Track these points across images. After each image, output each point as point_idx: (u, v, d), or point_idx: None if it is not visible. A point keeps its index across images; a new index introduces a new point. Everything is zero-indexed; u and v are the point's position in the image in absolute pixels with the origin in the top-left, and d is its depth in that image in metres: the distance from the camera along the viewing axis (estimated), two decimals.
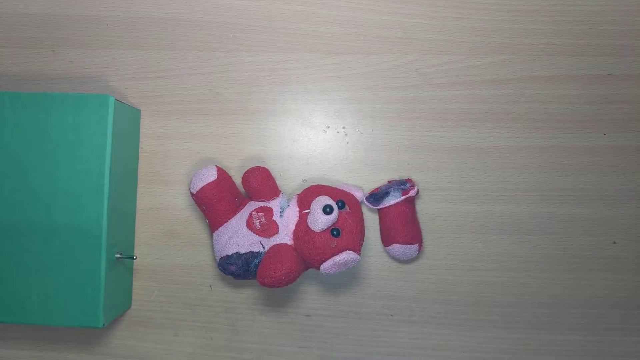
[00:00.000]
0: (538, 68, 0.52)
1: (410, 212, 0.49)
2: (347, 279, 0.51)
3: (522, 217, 0.51)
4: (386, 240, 0.49)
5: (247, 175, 0.47)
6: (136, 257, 0.50)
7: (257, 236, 0.46)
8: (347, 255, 0.43)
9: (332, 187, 0.48)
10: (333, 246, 0.43)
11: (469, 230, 0.51)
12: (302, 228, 0.45)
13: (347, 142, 0.52)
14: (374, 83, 0.52)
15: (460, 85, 0.52)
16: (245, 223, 0.46)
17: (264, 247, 0.45)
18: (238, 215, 0.47)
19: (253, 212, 0.46)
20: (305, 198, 0.46)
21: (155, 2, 0.53)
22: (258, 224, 0.46)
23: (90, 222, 0.44)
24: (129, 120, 0.49)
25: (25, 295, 0.44)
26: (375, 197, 0.50)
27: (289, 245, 0.45)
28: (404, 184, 0.49)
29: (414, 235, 0.49)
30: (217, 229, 0.47)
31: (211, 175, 0.46)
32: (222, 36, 0.53)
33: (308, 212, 0.44)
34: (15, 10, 0.53)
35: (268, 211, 0.46)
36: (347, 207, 0.45)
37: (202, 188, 0.46)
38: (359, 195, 0.49)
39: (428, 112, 0.52)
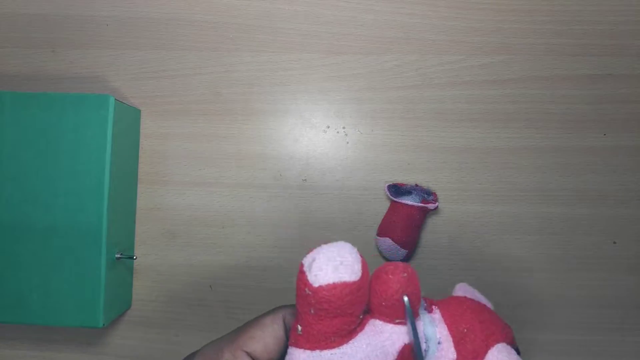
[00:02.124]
0: (538, 68, 0.52)
1: (419, 220, 0.49)
2: None
3: (522, 217, 0.51)
4: (382, 232, 0.49)
5: (391, 280, 0.28)
6: (136, 257, 0.50)
7: None
8: None
9: (484, 308, 0.32)
10: None
11: (469, 230, 0.51)
12: None
13: (347, 142, 0.52)
14: (374, 83, 0.52)
15: (460, 85, 0.52)
16: None
17: None
18: (362, 346, 0.28)
19: None
20: (468, 338, 0.29)
21: (156, 2, 0.53)
22: None
23: (90, 222, 0.44)
24: (129, 120, 0.49)
25: (25, 295, 0.44)
26: (397, 189, 0.49)
27: None
28: (428, 194, 0.50)
29: (409, 241, 0.49)
30: (313, 349, 0.28)
31: (355, 270, 0.27)
32: (222, 36, 0.53)
33: None
34: (15, 10, 0.53)
35: (410, 355, 0.28)
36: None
37: (335, 286, 0.26)
38: (491, 307, 0.34)
39: (428, 112, 0.52)
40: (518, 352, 0.29)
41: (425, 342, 0.28)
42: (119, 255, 0.46)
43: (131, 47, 0.53)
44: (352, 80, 0.52)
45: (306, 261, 0.27)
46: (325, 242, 0.28)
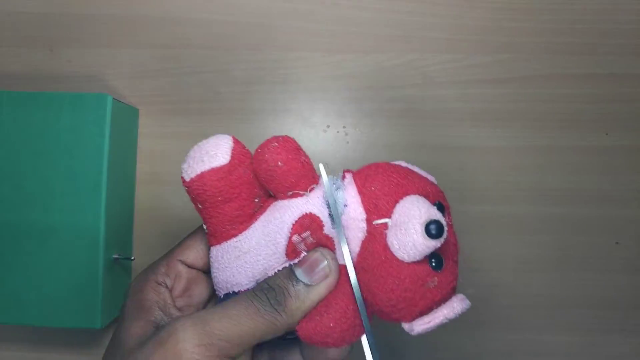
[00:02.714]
0: (539, 67, 0.52)
1: None
2: None
3: (523, 217, 0.51)
4: None
5: (264, 154, 0.28)
6: (134, 258, 0.50)
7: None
8: (460, 306, 0.28)
9: (400, 168, 0.30)
10: (432, 287, 0.27)
11: (470, 230, 0.51)
12: (374, 251, 0.27)
13: (348, 142, 0.52)
14: (374, 82, 0.52)
15: (461, 84, 0.52)
16: (279, 249, 0.28)
17: None
18: (259, 229, 0.28)
19: (294, 237, 0.28)
20: (375, 195, 0.27)
21: (154, 1, 0.53)
22: (304, 249, 0.28)
23: (88, 223, 0.44)
24: (127, 119, 0.49)
25: (23, 296, 0.44)
26: None
27: (345, 283, 0.27)
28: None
29: None
30: (219, 243, 0.29)
31: (221, 155, 0.28)
32: (221, 35, 0.52)
33: (385, 224, 0.27)
34: (12, 8, 0.53)
35: (315, 222, 0.28)
36: (446, 213, 0.29)
37: (202, 175, 0.27)
38: (432, 179, 0.31)
39: (429, 111, 0.52)
40: (442, 209, 0.28)
41: (329, 207, 0.27)
42: (117, 256, 0.46)
43: (129, 46, 0.52)
44: (353, 79, 0.52)
45: (183, 161, 0.28)
46: None
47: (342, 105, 0.52)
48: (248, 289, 0.28)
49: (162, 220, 0.51)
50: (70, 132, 0.44)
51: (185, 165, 0.28)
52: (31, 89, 0.51)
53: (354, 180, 0.28)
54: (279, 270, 0.28)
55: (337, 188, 0.28)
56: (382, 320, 0.29)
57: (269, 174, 0.28)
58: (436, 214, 0.25)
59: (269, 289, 0.27)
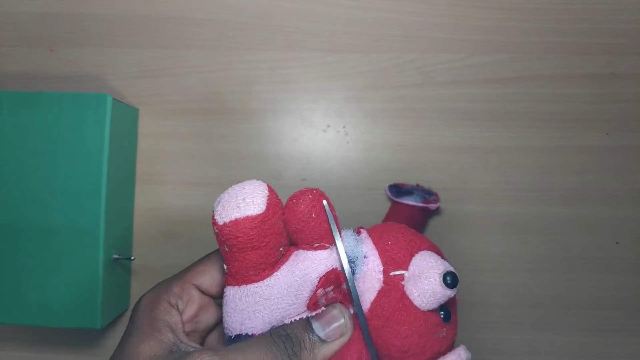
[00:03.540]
0: (540, 67, 0.52)
1: (420, 220, 0.48)
2: None
3: (523, 217, 0.51)
4: None
5: (298, 206, 0.29)
6: (134, 258, 0.49)
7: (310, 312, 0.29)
8: (465, 354, 0.31)
9: (408, 228, 0.33)
10: (441, 337, 0.30)
11: (470, 230, 0.51)
12: (392, 299, 0.29)
13: (348, 142, 0.52)
14: (374, 82, 0.52)
15: (461, 84, 0.51)
16: (300, 300, 0.29)
17: None
18: (281, 278, 0.29)
19: (319, 291, 0.29)
20: (391, 249, 0.30)
21: (154, 0, 0.53)
22: (324, 301, 0.30)
23: (87, 223, 0.44)
24: (127, 119, 0.49)
25: (22, 296, 0.44)
26: (399, 190, 0.49)
27: (356, 332, 0.29)
28: (429, 195, 0.49)
29: None
30: (238, 284, 0.30)
31: (257, 204, 0.28)
32: (221, 35, 0.52)
33: (402, 275, 0.29)
34: (12, 8, 0.53)
35: (336, 277, 0.29)
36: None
37: (237, 221, 0.28)
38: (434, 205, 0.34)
39: (429, 111, 0.51)
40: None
41: (352, 261, 0.29)
42: (116, 256, 0.46)
43: (129, 46, 0.52)
44: (353, 79, 0.52)
45: (216, 201, 0.29)
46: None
47: (342, 105, 0.52)
48: (262, 333, 0.29)
49: (162, 220, 0.51)
50: (70, 132, 0.44)
51: (218, 208, 0.28)
52: (31, 89, 0.52)
53: (370, 235, 0.31)
54: (295, 320, 0.29)
55: (357, 240, 0.30)
56: None
57: (301, 225, 0.29)
58: (450, 267, 0.28)
59: (287, 338, 0.28)
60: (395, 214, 0.48)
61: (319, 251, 0.29)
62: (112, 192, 0.45)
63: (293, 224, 0.29)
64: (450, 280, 0.28)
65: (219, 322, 0.34)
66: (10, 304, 0.44)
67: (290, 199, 0.29)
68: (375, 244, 0.30)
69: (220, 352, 0.27)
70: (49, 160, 0.44)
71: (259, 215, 0.27)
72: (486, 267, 0.51)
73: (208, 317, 0.34)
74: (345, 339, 0.28)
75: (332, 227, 0.29)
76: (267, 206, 0.28)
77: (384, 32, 0.52)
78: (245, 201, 0.28)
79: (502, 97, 0.51)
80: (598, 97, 0.51)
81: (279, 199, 0.30)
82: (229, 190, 0.29)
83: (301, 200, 0.29)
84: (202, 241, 0.51)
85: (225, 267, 0.30)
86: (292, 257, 0.29)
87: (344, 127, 0.52)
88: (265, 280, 0.29)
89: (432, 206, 0.48)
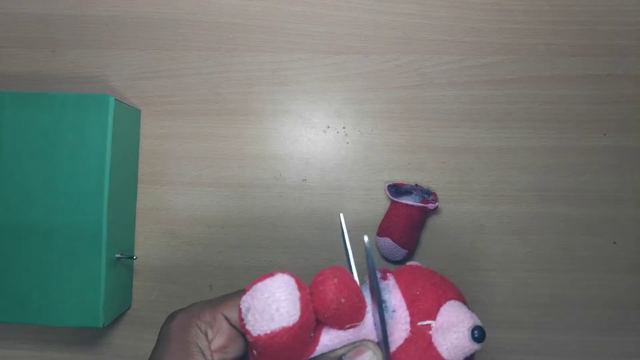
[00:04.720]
0: (538, 68, 0.52)
1: (419, 220, 0.49)
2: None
3: (522, 217, 0.51)
4: (382, 232, 0.49)
5: (325, 291, 0.27)
6: (136, 257, 0.50)
7: None
8: None
9: (433, 273, 0.32)
10: None
11: (469, 230, 0.51)
12: (419, 348, 0.29)
13: (347, 142, 0.52)
14: (374, 83, 0.52)
15: (460, 85, 0.52)
16: None
17: None
18: None
19: None
20: (419, 299, 0.30)
21: (156, 2, 0.53)
22: None
23: (90, 222, 0.44)
24: (129, 120, 0.49)
25: (25, 295, 0.44)
26: (397, 189, 0.49)
27: None
28: (428, 194, 0.50)
29: (409, 241, 0.49)
30: None
31: (293, 313, 0.26)
32: (222, 36, 0.53)
33: (429, 325, 0.29)
34: (15, 10, 0.53)
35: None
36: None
37: (273, 334, 0.26)
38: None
39: (428, 112, 0.52)
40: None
41: (373, 323, 0.29)
42: (119, 256, 0.46)
43: (131, 47, 0.53)
44: (352, 80, 0.52)
45: (243, 306, 0.27)
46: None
47: (342, 106, 0.52)
48: None
49: (164, 220, 0.52)
50: (72, 132, 0.44)
51: (250, 318, 0.27)
52: (34, 90, 0.52)
53: (397, 283, 0.31)
54: (328, 353, 0.29)
55: (386, 288, 0.30)
56: None
57: (332, 313, 0.27)
58: (477, 320, 0.29)
59: None
60: (395, 213, 0.49)
61: (351, 330, 0.29)
62: (115, 192, 0.45)
63: (323, 313, 0.27)
64: (477, 334, 0.28)
65: (246, 356, 0.34)
66: (13, 303, 0.44)
67: (316, 286, 0.27)
68: (403, 294, 0.30)
69: None
70: (51, 160, 0.44)
71: (295, 324, 0.26)
72: (485, 266, 0.51)
73: (236, 349, 0.34)
74: None
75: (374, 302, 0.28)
76: (301, 312, 0.26)
77: (383, 34, 0.52)
78: (280, 312, 0.26)
79: (501, 98, 0.52)
80: (596, 99, 0.52)
81: (308, 295, 0.27)
82: (258, 294, 0.27)
83: (328, 289, 0.27)
84: (203, 241, 0.52)
85: (254, 352, 0.29)
86: (322, 339, 0.29)
87: (343, 127, 0.52)
88: None
89: (431, 206, 0.48)
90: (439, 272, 0.51)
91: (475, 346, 0.28)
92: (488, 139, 0.52)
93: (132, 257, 0.48)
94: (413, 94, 0.52)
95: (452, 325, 0.29)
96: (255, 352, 0.28)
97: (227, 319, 0.33)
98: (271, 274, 0.27)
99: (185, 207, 0.52)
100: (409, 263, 0.34)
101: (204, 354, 0.31)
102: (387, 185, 0.50)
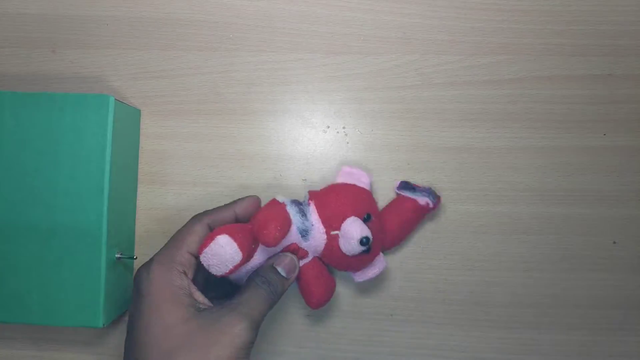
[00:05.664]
0: (538, 68, 0.52)
1: (414, 219, 0.49)
2: (348, 278, 0.51)
3: (521, 217, 0.51)
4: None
5: (266, 234, 0.39)
6: (136, 257, 0.50)
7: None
8: (379, 268, 0.46)
9: (345, 187, 0.46)
10: (365, 259, 0.45)
11: (469, 230, 0.51)
12: (333, 249, 0.43)
13: (347, 142, 0.52)
14: (374, 83, 0.52)
15: (460, 85, 0.52)
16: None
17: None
18: (257, 258, 0.43)
19: (279, 268, 0.42)
20: (329, 217, 0.43)
21: (156, 2, 0.53)
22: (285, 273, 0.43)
23: (90, 222, 0.44)
24: (129, 120, 0.49)
25: (25, 294, 0.44)
26: (408, 187, 0.49)
27: (322, 267, 0.45)
28: (433, 197, 0.49)
29: (398, 237, 0.49)
30: (232, 272, 0.42)
31: (235, 256, 0.39)
32: (222, 36, 0.53)
33: (337, 234, 0.43)
34: (14, 9, 0.53)
35: (293, 248, 0.43)
36: (372, 217, 0.45)
37: (229, 272, 0.40)
38: (367, 182, 0.47)
39: (428, 112, 0.52)
40: (369, 217, 0.44)
41: (305, 231, 0.43)
42: (119, 256, 0.46)
43: (131, 47, 0.53)
44: (352, 80, 0.52)
45: (204, 263, 0.40)
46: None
47: (342, 106, 0.52)
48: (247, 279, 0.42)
49: (164, 220, 0.52)
50: (72, 132, 0.44)
51: (212, 269, 0.40)
52: (33, 90, 0.52)
53: (315, 207, 0.44)
54: (264, 265, 0.42)
55: (305, 216, 0.43)
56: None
57: (271, 245, 0.40)
58: (365, 231, 0.42)
59: (266, 280, 0.41)
60: (396, 204, 0.49)
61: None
62: (115, 192, 0.45)
63: (263, 244, 0.40)
64: (364, 242, 0.42)
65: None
66: (13, 303, 0.44)
67: (260, 229, 0.40)
68: (319, 213, 0.44)
69: (233, 303, 0.39)
70: (51, 161, 0.44)
71: (241, 260, 0.40)
72: (484, 266, 0.51)
73: (199, 276, 0.43)
74: (296, 273, 0.43)
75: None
76: (242, 252, 0.39)
77: (383, 33, 0.52)
78: (228, 259, 0.39)
79: (500, 98, 0.52)
80: (596, 98, 0.52)
81: (247, 238, 0.40)
82: (210, 255, 0.39)
83: (266, 231, 0.39)
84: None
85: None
86: (259, 251, 0.42)
87: (343, 127, 0.52)
88: (246, 264, 0.42)
89: (431, 205, 0.48)
90: (439, 272, 0.51)
91: (362, 248, 0.42)
92: (488, 139, 0.52)
93: (132, 257, 0.48)
94: (413, 94, 0.52)
95: (348, 236, 0.42)
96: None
97: (190, 253, 0.41)
98: (211, 238, 0.39)
99: (186, 207, 0.52)
100: (342, 170, 0.48)
101: (192, 296, 0.39)
102: (400, 181, 0.50)
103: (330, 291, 0.46)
